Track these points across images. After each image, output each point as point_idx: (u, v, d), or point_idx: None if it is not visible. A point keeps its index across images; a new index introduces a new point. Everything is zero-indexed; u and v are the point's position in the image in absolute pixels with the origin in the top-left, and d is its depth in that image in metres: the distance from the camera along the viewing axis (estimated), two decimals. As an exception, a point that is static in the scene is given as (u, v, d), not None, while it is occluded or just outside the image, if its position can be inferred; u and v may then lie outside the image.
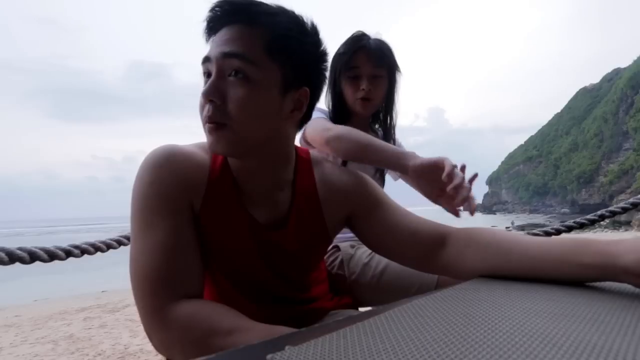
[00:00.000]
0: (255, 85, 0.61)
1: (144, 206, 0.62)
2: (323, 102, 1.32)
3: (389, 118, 1.33)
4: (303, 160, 0.77)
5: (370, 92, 1.20)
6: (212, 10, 0.63)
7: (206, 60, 0.64)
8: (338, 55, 1.24)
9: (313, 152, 0.81)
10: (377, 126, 1.40)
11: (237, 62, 0.61)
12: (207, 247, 0.69)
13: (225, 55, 0.61)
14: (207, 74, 0.64)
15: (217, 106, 0.61)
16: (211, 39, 0.64)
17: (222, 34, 0.63)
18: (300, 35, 0.65)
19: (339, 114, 1.25)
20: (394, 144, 1.38)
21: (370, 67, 1.20)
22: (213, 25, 0.64)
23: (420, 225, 0.72)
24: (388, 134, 1.35)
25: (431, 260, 0.70)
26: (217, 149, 0.64)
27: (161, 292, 0.58)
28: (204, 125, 0.64)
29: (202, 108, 0.63)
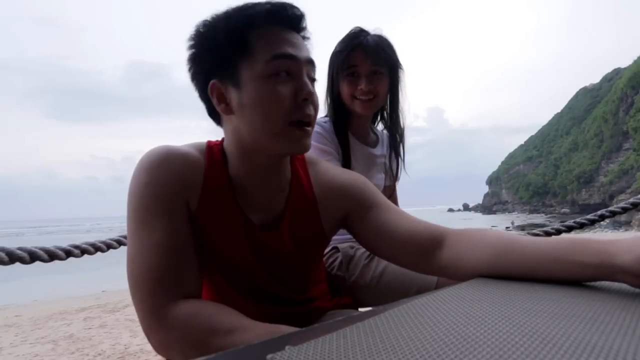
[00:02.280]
0: None
1: (141, 206, 0.62)
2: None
3: (394, 116, 1.29)
4: (298, 160, 0.78)
5: (370, 91, 1.16)
6: (274, 5, 0.64)
7: (288, 57, 0.64)
8: (335, 53, 1.21)
9: (307, 153, 0.81)
10: (382, 128, 1.38)
11: (313, 68, 0.69)
12: (204, 247, 0.69)
13: (309, 62, 0.68)
14: (287, 72, 0.64)
15: (310, 105, 0.67)
16: (265, 33, 0.64)
17: (293, 38, 0.66)
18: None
19: (338, 115, 1.23)
20: (403, 146, 1.35)
21: (368, 65, 1.16)
22: (266, 18, 0.64)
23: (417, 226, 0.72)
24: (396, 135, 1.32)
25: (428, 262, 0.70)
26: (306, 147, 0.68)
27: (159, 293, 0.58)
28: (285, 121, 0.64)
29: (285, 103, 0.63)
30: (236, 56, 0.64)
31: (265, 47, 0.63)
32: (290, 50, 0.64)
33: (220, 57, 0.66)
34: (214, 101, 0.68)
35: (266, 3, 0.64)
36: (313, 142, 1.13)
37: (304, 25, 0.68)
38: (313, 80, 0.69)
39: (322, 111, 1.32)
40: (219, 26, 0.65)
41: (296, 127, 0.65)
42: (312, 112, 0.67)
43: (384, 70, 1.19)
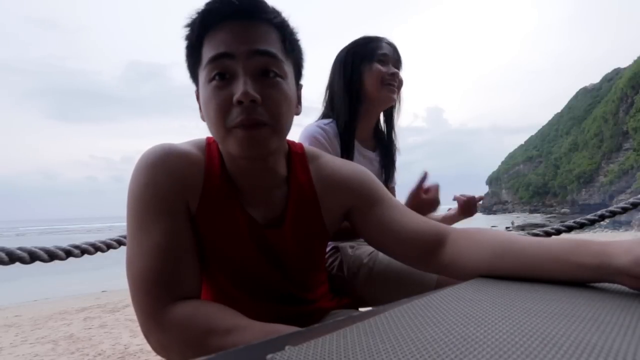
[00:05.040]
0: (286, 83, 0.64)
1: (140, 207, 0.62)
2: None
3: (392, 129, 1.33)
4: (297, 155, 0.76)
5: (399, 77, 1.22)
6: (216, 2, 0.61)
7: (223, 56, 0.60)
8: (360, 45, 1.22)
9: (307, 147, 0.80)
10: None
11: (268, 60, 0.61)
12: (206, 248, 0.69)
13: (256, 53, 0.60)
14: (221, 74, 0.61)
15: (258, 106, 0.60)
16: (214, 34, 0.62)
17: (237, 30, 0.61)
18: (296, 33, 0.69)
19: (351, 116, 1.21)
20: (395, 145, 1.37)
21: (395, 56, 1.22)
22: (212, 18, 0.61)
23: (420, 224, 0.72)
24: (391, 142, 1.33)
25: (431, 259, 0.70)
26: (258, 150, 0.62)
27: (158, 294, 0.58)
28: (227, 127, 0.61)
29: (222, 109, 0.60)
30: (195, 64, 0.65)
31: (208, 51, 0.62)
32: (225, 48, 0.59)
33: (188, 67, 0.67)
34: (199, 108, 0.69)
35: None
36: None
37: (261, 9, 0.62)
38: (268, 73, 0.62)
39: (314, 113, 1.31)
40: (185, 34, 0.65)
41: (241, 128, 0.60)
42: (255, 115, 0.59)
43: (400, 68, 1.25)
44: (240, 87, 0.59)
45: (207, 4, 0.62)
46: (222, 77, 0.61)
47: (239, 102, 0.59)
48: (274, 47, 0.63)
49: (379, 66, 1.19)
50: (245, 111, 0.59)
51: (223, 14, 0.61)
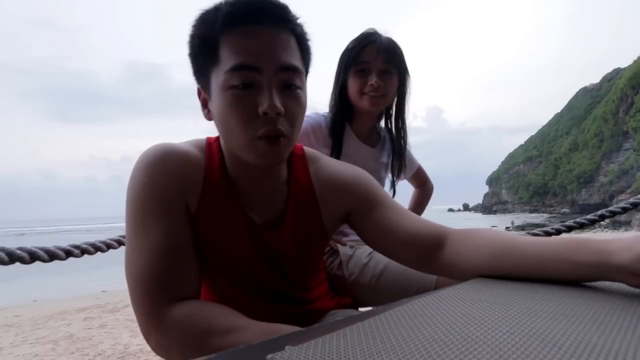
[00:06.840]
0: (303, 94, 0.65)
1: (139, 207, 0.62)
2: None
3: (400, 122, 1.31)
4: (297, 157, 0.76)
5: (380, 88, 1.17)
6: (242, 3, 0.60)
7: (249, 69, 0.59)
8: (347, 50, 1.22)
9: (307, 149, 0.80)
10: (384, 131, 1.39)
11: (292, 74, 0.62)
12: (205, 248, 0.69)
13: (282, 69, 0.61)
14: (248, 84, 0.59)
15: (280, 117, 0.61)
16: (236, 37, 0.60)
17: (263, 40, 0.60)
18: (310, 40, 0.68)
19: (339, 112, 1.23)
20: (405, 148, 1.36)
21: (380, 62, 1.18)
22: (237, 20, 0.60)
23: (419, 226, 0.72)
24: (399, 138, 1.32)
25: (430, 260, 0.70)
26: (278, 159, 0.64)
27: (157, 294, 0.58)
28: (250, 136, 0.60)
29: (247, 119, 0.60)
30: (208, 63, 0.63)
31: (229, 54, 0.60)
32: (252, 60, 0.59)
33: (197, 64, 0.65)
34: (201, 105, 0.68)
35: (237, 1, 0.60)
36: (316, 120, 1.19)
37: (285, 17, 0.62)
38: (291, 86, 0.62)
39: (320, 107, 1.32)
40: (195, 28, 0.63)
41: (263, 140, 0.61)
42: (279, 126, 0.61)
43: (394, 70, 1.21)
44: (266, 100, 0.59)
45: (233, 4, 0.60)
46: (246, 87, 0.60)
47: (265, 114, 0.59)
48: (297, 60, 0.63)
49: (355, 80, 1.19)
50: (270, 122, 0.60)
51: (249, 17, 0.60)
